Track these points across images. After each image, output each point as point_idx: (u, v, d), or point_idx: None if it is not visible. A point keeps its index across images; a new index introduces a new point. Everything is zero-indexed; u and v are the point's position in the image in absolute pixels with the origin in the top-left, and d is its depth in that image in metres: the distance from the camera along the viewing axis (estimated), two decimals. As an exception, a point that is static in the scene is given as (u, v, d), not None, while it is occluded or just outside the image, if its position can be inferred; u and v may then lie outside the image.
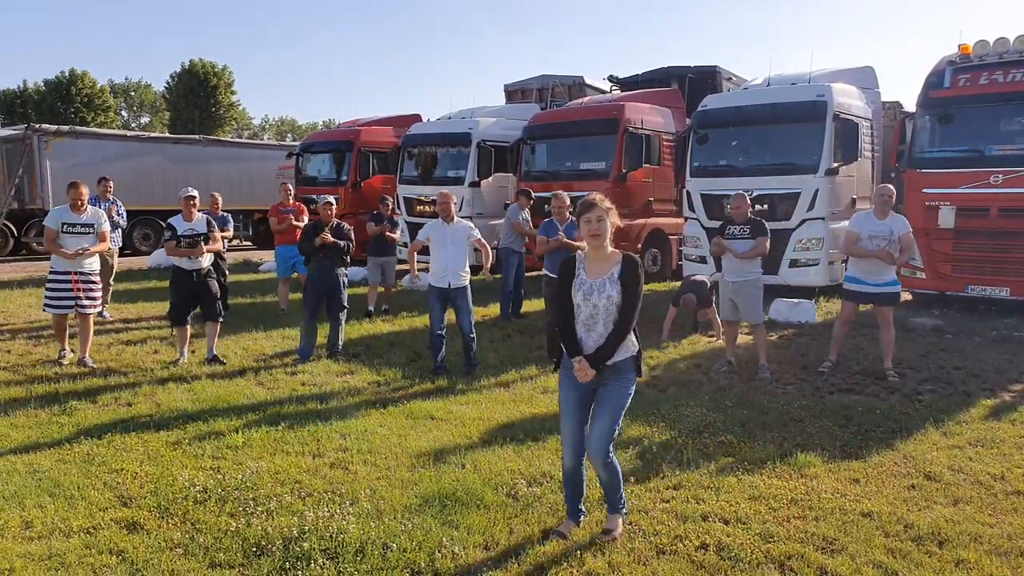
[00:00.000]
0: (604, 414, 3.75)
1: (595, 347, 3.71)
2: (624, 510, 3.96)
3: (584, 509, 4.05)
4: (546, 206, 13.03)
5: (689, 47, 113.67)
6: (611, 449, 3.78)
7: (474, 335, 7.61)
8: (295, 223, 10.48)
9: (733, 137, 12.12)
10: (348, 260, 8.16)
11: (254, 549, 3.75)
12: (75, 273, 7.51)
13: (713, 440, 5.36)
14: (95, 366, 7.54)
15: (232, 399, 6.41)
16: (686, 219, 12.59)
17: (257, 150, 26.07)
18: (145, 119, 70.98)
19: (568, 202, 8.02)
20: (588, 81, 18.04)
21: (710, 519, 4.08)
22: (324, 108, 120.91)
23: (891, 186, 7.41)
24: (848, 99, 11.53)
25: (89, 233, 7.58)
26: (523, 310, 10.77)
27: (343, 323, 8.23)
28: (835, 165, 11.08)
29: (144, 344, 8.69)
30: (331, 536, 3.82)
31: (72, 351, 7.78)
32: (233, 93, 58.50)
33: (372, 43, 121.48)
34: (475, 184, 14.94)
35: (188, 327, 7.88)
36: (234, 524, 4.01)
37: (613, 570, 3.55)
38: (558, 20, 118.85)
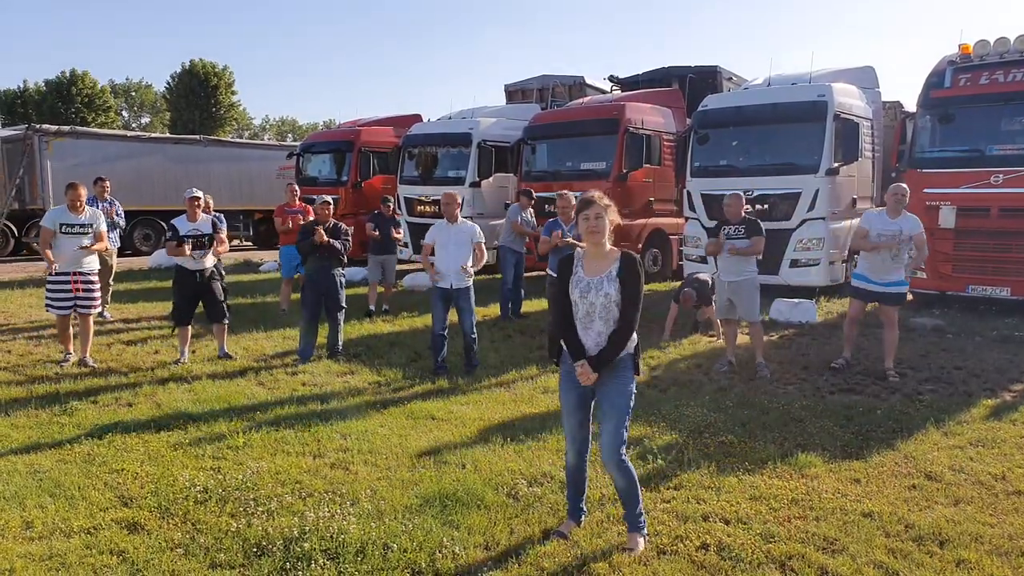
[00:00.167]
0: (609, 416, 3.72)
1: (593, 346, 3.70)
2: (644, 529, 3.82)
3: (585, 508, 4.05)
4: (547, 206, 13.13)
5: (689, 47, 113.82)
6: (623, 450, 3.74)
7: (475, 335, 7.62)
8: (301, 223, 10.49)
9: (734, 137, 12.12)
10: (345, 260, 8.15)
11: (255, 549, 3.75)
12: (74, 273, 7.52)
13: (714, 440, 5.35)
14: (96, 366, 7.55)
15: (233, 399, 6.41)
16: (687, 219, 12.59)
17: (257, 150, 26.05)
18: (146, 119, 71.02)
19: (573, 202, 8.03)
20: (588, 81, 18.04)
21: (711, 519, 4.07)
22: (324, 108, 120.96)
23: (904, 185, 7.37)
24: (849, 99, 11.53)
25: (87, 233, 7.59)
26: (523, 310, 10.76)
27: (342, 323, 8.22)
28: (836, 165, 11.08)
29: (145, 344, 8.70)
30: (332, 536, 3.82)
31: (72, 352, 7.78)
32: (234, 93, 58.53)
33: (372, 43, 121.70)
34: (475, 184, 14.95)
35: (190, 328, 7.91)
36: (235, 524, 4.01)
37: (614, 570, 3.55)
38: (558, 20, 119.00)
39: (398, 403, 6.38)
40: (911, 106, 11.36)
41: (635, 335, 3.77)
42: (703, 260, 11.50)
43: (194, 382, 6.99)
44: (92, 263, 7.74)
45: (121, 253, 19.80)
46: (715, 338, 8.86)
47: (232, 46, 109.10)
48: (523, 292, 10.87)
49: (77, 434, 5.47)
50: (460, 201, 7.67)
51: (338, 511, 4.13)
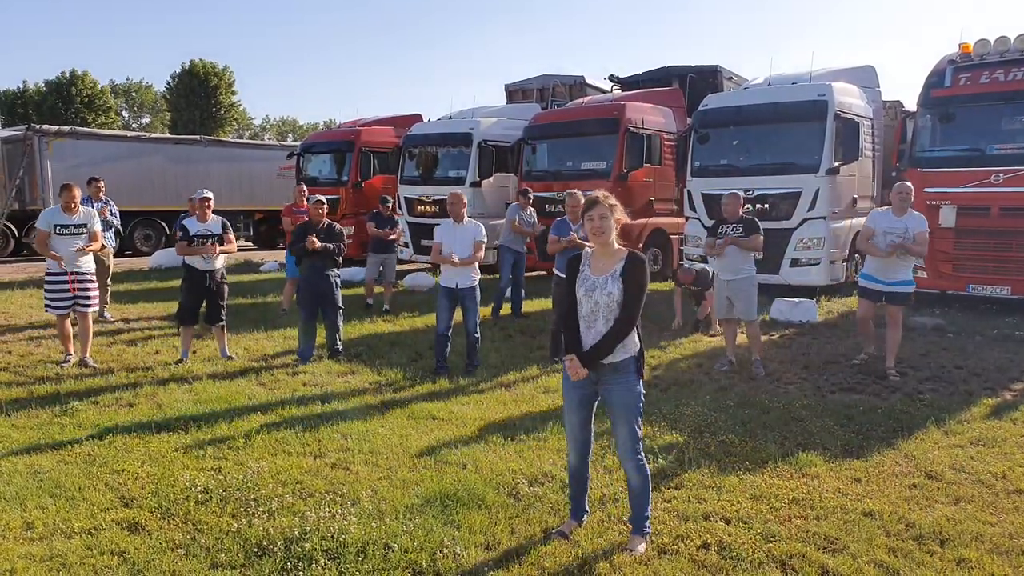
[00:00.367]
0: (619, 421, 3.74)
1: (591, 344, 3.70)
2: (648, 532, 3.83)
3: (587, 508, 4.05)
4: (547, 206, 13.13)
5: (690, 46, 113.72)
6: (639, 448, 3.77)
7: (479, 335, 7.63)
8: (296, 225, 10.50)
9: (734, 136, 12.12)
10: (340, 261, 8.12)
11: (255, 550, 3.75)
12: (71, 273, 7.55)
13: (714, 439, 5.35)
14: (96, 366, 7.56)
15: (233, 400, 6.41)
16: (687, 219, 12.60)
17: (258, 150, 26.05)
18: (146, 120, 71.02)
19: (582, 201, 8.01)
20: (589, 81, 18.05)
21: (711, 519, 4.07)
22: (325, 108, 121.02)
23: (909, 183, 7.38)
24: (849, 98, 11.53)
25: (82, 233, 7.63)
26: (524, 310, 10.76)
27: (340, 324, 8.19)
28: (836, 164, 11.08)
29: (145, 344, 8.70)
30: (332, 536, 3.82)
31: (73, 353, 7.79)
32: (234, 93, 58.53)
33: (373, 43, 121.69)
34: (476, 184, 14.95)
35: (193, 328, 7.94)
36: (235, 525, 4.01)
37: (615, 570, 3.55)
38: (559, 20, 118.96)
39: (399, 403, 6.38)
40: (911, 105, 11.37)
41: (639, 340, 3.76)
42: (704, 260, 11.51)
43: (195, 382, 6.99)
44: (88, 262, 7.77)
45: (121, 253, 19.90)
46: (716, 335, 8.88)
47: (232, 46, 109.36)
48: (523, 292, 10.87)
49: (78, 435, 5.48)
50: (466, 201, 7.68)
51: (339, 511, 4.13)
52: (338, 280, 8.14)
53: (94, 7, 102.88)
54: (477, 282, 7.48)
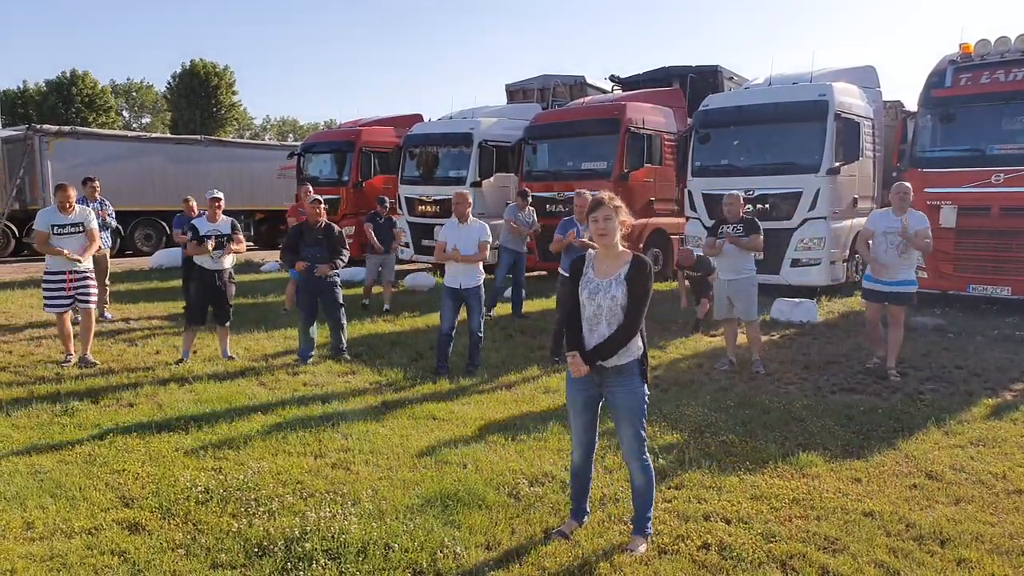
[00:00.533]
0: (624, 424, 3.74)
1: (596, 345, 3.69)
2: (650, 533, 3.83)
3: (588, 508, 4.05)
4: (548, 206, 13.14)
5: (690, 46, 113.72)
6: (644, 450, 3.78)
7: (482, 334, 7.64)
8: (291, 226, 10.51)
9: (735, 137, 12.13)
10: (338, 263, 8.02)
11: (256, 550, 3.75)
12: (69, 272, 7.56)
13: (715, 440, 5.35)
14: (97, 364, 7.57)
15: (234, 399, 6.41)
16: (687, 219, 12.60)
17: (258, 150, 26.07)
18: (146, 120, 71.02)
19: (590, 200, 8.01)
20: (589, 81, 18.04)
21: (712, 519, 4.07)
22: (325, 108, 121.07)
23: (907, 183, 7.37)
24: (849, 98, 11.53)
25: (79, 232, 7.65)
26: (524, 310, 10.76)
27: (344, 323, 8.18)
28: (836, 164, 11.08)
29: (146, 344, 8.70)
30: (333, 536, 3.82)
31: (73, 353, 7.79)
32: (234, 93, 58.56)
33: (373, 43, 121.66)
34: (476, 184, 14.94)
35: (197, 328, 7.96)
36: (236, 525, 4.01)
37: (615, 570, 3.55)
38: (559, 20, 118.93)
39: (399, 403, 6.38)
40: (912, 105, 11.38)
41: (643, 343, 3.75)
42: (704, 259, 11.53)
43: (195, 382, 6.99)
44: (85, 260, 7.78)
45: (122, 253, 19.92)
46: (705, 316, 8.91)
47: (232, 46, 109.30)
48: (524, 292, 10.87)
49: (78, 435, 5.48)
50: (471, 201, 7.68)
51: (339, 511, 4.13)
52: (337, 278, 8.12)
53: (94, 7, 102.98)
54: (481, 282, 7.48)
